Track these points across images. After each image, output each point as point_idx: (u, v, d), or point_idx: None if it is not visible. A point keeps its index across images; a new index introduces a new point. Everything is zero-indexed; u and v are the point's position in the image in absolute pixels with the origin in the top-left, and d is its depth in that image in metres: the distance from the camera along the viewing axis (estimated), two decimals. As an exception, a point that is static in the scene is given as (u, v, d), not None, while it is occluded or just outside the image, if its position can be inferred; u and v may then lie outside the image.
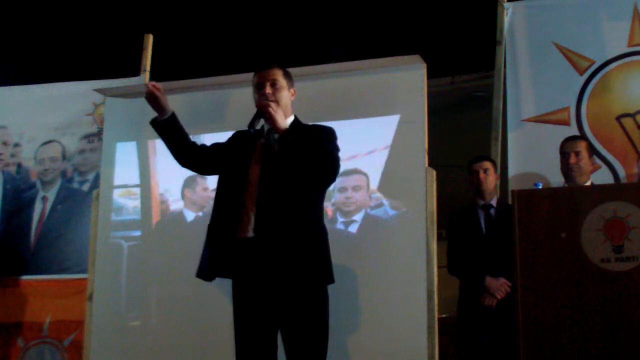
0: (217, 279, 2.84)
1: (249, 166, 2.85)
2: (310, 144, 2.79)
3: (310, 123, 3.00)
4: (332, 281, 2.85)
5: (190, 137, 3.06)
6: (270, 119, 2.78)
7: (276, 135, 2.80)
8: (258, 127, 2.86)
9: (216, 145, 3.08)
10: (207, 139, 3.78)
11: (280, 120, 2.78)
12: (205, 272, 2.82)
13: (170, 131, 3.00)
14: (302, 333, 2.74)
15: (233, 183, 2.86)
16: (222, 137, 3.10)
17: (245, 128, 2.83)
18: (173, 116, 3.00)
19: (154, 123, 3.02)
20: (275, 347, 2.80)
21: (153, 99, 2.96)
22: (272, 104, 2.79)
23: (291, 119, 2.96)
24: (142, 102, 4.13)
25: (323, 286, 2.83)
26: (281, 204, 2.75)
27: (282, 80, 2.93)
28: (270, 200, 2.76)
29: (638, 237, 2.84)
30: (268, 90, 2.88)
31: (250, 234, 2.75)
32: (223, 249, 2.79)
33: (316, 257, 2.79)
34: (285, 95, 2.93)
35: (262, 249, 2.72)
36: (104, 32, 6.39)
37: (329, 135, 2.92)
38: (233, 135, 3.07)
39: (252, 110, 2.86)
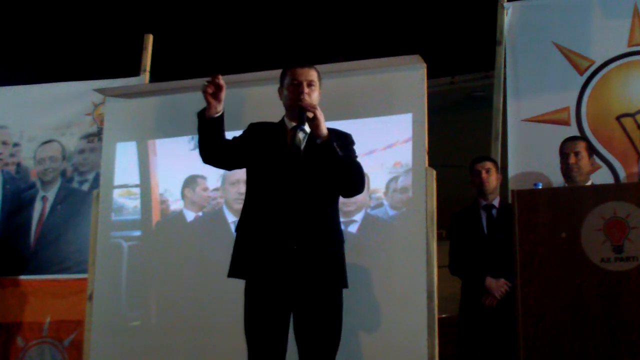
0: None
1: (286, 165, 2.81)
2: (345, 153, 2.77)
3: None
4: (346, 285, 2.86)
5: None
6: (316, 122, 2.72)
7: (318, 140, 2.75)
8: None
9: (237, 141, 2.94)
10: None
11: (323, 125, 2.74)
12: (239, 270, 2.80)
13: (216, 129, 2.83)
14: (318, 335, 2.74)
15: (270, 182, 2.81)
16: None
17: (259, 121, 2.75)
18: (223, 115, 2.84)
19: (202, 116, 2.81)
20: (285, 348, 2.79)
21: (214, 94, 2.75)
22: (318, 107, 2.74)
23: None
24: (142, 102, 4.18)
25: (339, 290, 2.82)
26: (307, 208, 2.75)
27: (317, 82, 2.88)
28: (297, 203, 2.75)
29: (638, 237, 2.85)
30: (307, 90, 2.82)
31: (278, 236, 2.74)
32: (253, 248, 2.77)
33: (335, 262, 2.80)
34: (317, 97, 2.89)
35: (285, 251, 2.72)
36: (104, 32, 6.39)
37: (352, 144, 2.92)
38: (249, 128, 2.95)
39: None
